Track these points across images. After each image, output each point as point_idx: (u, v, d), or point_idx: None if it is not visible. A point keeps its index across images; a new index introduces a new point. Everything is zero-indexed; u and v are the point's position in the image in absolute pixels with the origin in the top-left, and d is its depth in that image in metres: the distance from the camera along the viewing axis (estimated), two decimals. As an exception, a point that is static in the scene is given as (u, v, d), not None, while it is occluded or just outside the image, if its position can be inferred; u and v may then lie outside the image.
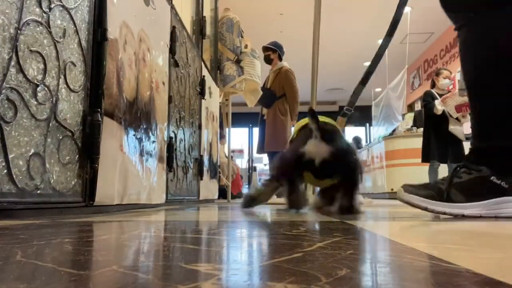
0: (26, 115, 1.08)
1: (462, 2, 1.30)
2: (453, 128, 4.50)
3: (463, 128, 4.60)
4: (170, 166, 2.28)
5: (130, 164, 1.70)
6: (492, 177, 1.18)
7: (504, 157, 1.19)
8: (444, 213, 1.19)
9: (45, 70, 1.17)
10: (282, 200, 1.82)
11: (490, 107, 1.26)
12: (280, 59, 5.06)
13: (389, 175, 6.41)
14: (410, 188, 1.25)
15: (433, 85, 4.83)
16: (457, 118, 4.50)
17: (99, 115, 1.41)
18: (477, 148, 1.27)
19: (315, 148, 1.39)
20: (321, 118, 1.49)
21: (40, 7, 1.16)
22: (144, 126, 1.88)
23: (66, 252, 0.52)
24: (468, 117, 4.33)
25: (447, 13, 1.33)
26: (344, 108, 1.74)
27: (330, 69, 9.80)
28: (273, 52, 5.08)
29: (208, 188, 3.52)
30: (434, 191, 1.22)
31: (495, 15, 1.22)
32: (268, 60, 5.12)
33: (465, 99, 4.02)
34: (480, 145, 1.27)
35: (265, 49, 5.11)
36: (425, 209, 1.20)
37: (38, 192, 1.12)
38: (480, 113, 1.29)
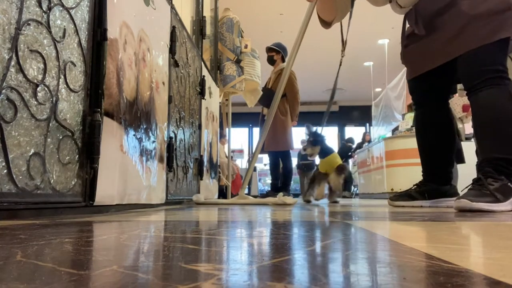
0: (26, 115, 1.08)
1: None
2: (455, 127, 4.47)
3: (465, 128, 4.58)
4: (170, 166, 2.28)
5: (130, 164, 1.70)
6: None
7: None
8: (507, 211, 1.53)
9: (45, 70, 1.17)
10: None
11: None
12: (283, 60, 5.06)
13: (389, 175, 6.40)
14: (472, 198, 1.52)
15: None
16: (459, 118, 4.48)
17: (99, 115, 1.41)
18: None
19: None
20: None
21: (40, 7, 1.16)
22: (144, 126, 1.88)
23: (66, 252, 0.52)
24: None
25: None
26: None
27: (330, 69, 9.79)
28: (276, 53, 5.09)
29: (208, 188, 3.52)
30: (492, 197, 1.53)
31: None
32: (271, 61, 5.12)
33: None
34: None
35: (269, 49, 5.11)
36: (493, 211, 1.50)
37: (38, 192, 1.12)
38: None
